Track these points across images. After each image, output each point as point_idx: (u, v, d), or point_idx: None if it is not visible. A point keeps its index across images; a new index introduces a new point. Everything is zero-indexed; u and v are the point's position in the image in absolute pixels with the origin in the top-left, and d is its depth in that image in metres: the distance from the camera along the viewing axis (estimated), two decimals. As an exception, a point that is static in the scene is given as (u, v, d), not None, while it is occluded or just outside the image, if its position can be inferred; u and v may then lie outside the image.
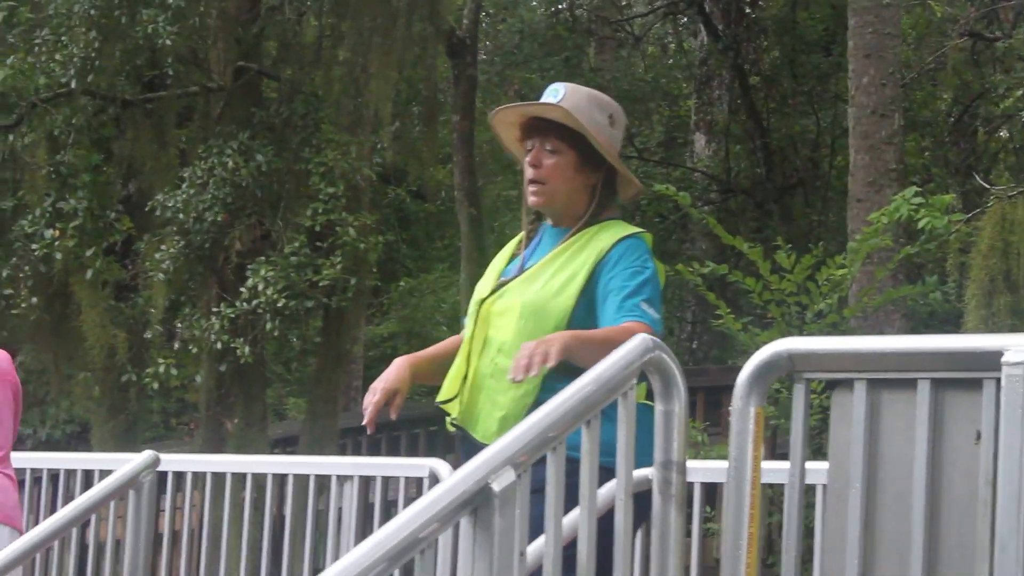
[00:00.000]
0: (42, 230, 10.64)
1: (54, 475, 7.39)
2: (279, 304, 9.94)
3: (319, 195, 10.49)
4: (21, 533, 4.81)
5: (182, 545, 8.03)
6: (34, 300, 10.69)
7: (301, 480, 6.56)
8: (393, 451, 12.21)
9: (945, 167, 14.73)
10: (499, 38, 16.79)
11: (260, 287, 10.00)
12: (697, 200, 14.13)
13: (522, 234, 4.18)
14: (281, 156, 10.68)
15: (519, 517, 2.96)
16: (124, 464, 5.01)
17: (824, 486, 4.50)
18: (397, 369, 4.06)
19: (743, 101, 15.72)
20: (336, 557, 6.12)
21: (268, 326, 10.07)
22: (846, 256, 8.92)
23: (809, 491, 5.33)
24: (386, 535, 2.82)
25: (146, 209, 11.19)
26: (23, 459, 7.22)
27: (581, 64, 16.52)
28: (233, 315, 10.22)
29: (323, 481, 6.46)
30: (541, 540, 3.15)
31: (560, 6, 16.98)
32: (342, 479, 6.31)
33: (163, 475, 5.93)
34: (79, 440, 17.87)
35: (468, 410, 3.94)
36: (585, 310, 3.81)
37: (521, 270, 3.99)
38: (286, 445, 12.50)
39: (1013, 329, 7.91)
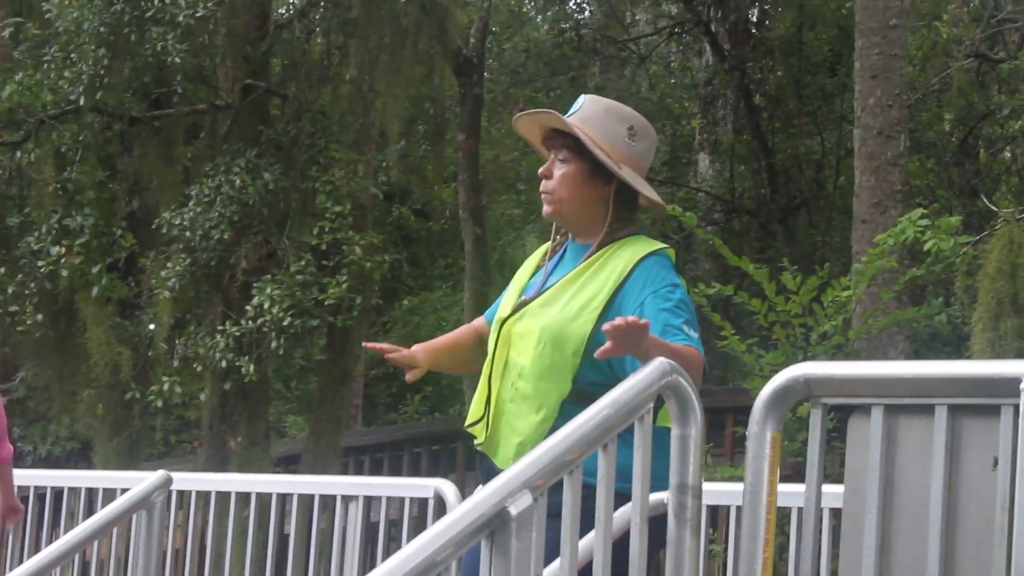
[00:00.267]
0: (48, 247, 10.65)
1: (58, 492, 7.39)
2: (284, 323, 9.94)
3: (326, 214, 10.49)
4: None
5: (185, 564, 8.03)
6: (39, 317, 10.69)
7: (305, 499, 6.57)
8: (395, 470, 12.20)
9: (950, 188, 14.73)
10: (504, 57, 16.80)
11: (266, 305, 10.00)
12: (701, 220, 14.14)
13: (548, 244, 4.14)
14: (288, 174, 10.69)
15: (536, 541, 2.96)
16: (135, 483, 4.99)
17: (830, 509, 4.51)
18: (418, 351, 4.14)
19: (748, 121, 15.73)
20: (340, 576, 6.12)
21: (273, 344, 10.07)
22: (851, 278, 8.93)
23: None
24: (404, 558, 2.82)
25: (152, 227, 11.20)
26: (36, 476, 7.21)
27: (587, 83, 16.54)
28: (238, 333, 10.22)
29: (326, 500, 6.47)
30: (556, 564, 3.14)
31: (563, 25, 16.99)
32: (347, 499, 6.32)
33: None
34: (80, 457, 17.86)
35: (491, 436, 3.92)
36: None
37: (542, 288, 3.95)
38: (288, 464, 12.50)
39: (1020, 352, 7.89)
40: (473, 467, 11.73)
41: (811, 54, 16.10)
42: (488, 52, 15.23)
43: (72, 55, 10.54)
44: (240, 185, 10.35)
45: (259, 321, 10.09)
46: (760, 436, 3.05)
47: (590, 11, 17.56)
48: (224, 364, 10.28)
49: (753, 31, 16.54)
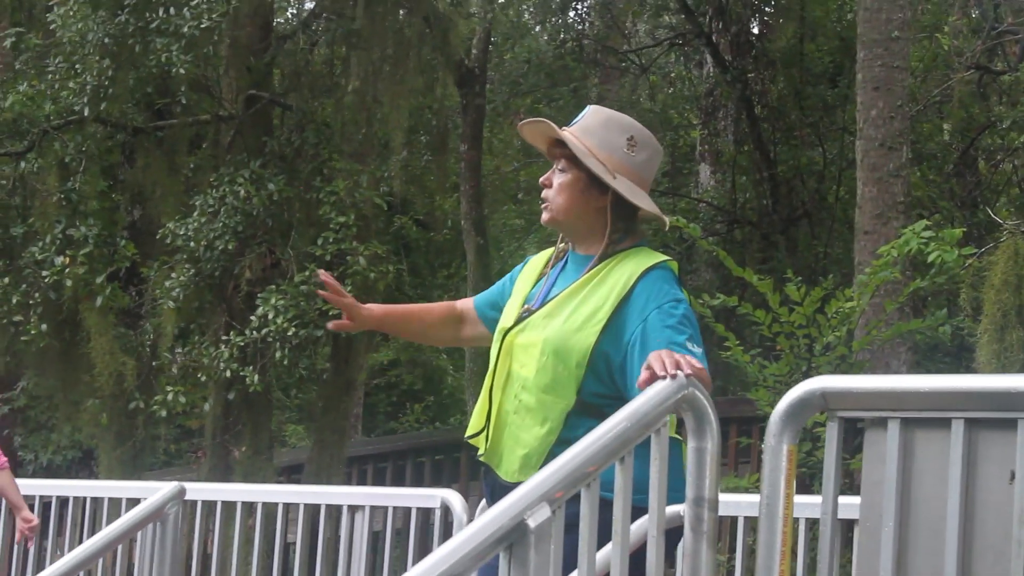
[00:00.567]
0: (52, 257, 10.65)
1: (62, 501, 7.38)
2: (289, 333, 9.94)
3: (330, 224, 10.50)
4: None
5: (191, 573, 8.04)
6: (44, 327, 10.69)
7: (311, 509, 6.58)
8: (398, 479, 12.22)
9: (951, 200, 14.76)
10: (505, 68, 16.83)
11: (270, 316, 10.01)
12: (703, 231, 14.15)
13: (550, 251, 4.14)
14: (292, 185, 10.70)
15: (554, 553, 2.98)
16: (144, 493, 5.00)
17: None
18: (368, 312, 4.25)
19: (750, 132, 15.75)
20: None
21: (278, 355, 10.07)
22: (855, 289, 8.94)
23: (815, 525, 5.35)
24: (423, 571, 2.83)
25: (156, 237, 11.21)
26: (45, 486, 7.21)
27: (588, 94, 16.57)
28: (242, 343, 10.23)
29: (330, 510, 6.48)
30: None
31: (565, 36, 17.02)
32: (353, 508, 6.33)
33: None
34: (81, 466, 17.86)
35: (493, 447, 3.91)
36: (610, 345, 3.74)
37: (544, 299, 3.95)
38: (291, 473, 12.51)
39: (1024, 364, 7.92)
40: (476, 477, 11.76)
41: (812, 65, 16.13)
42: (489, 63, 15.25)
43: (76, 65, 10.55)
44: (244, 196, 10.36)
45: (263, 331, 10.09)
46: (777, 449, 3.06)
47: (591, 22, 17.58)
48: (228, 374, 10.28)
49: (754, 42, 16.56)
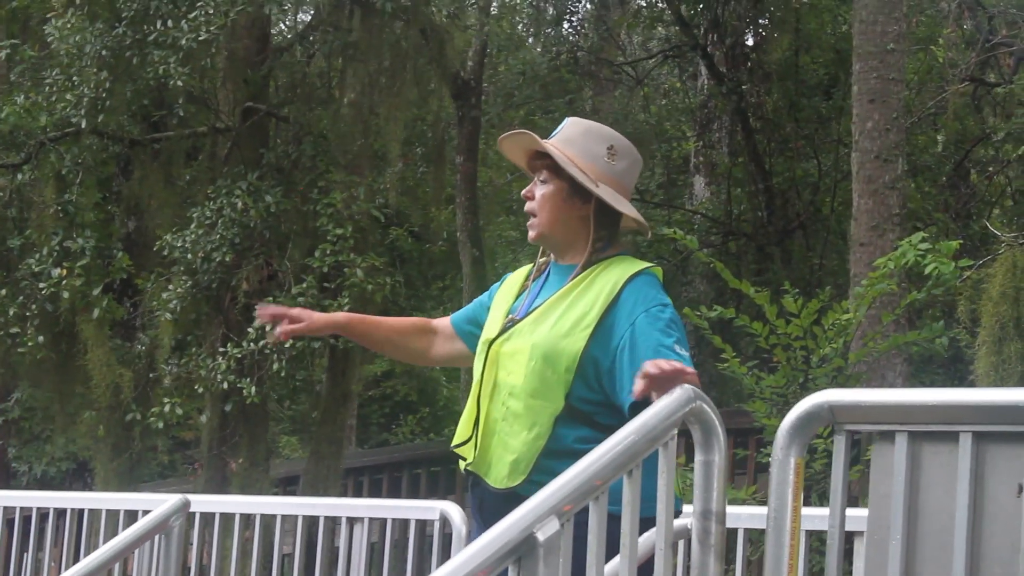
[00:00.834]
0: (49, 269, 10.65)
1: (61, 513, 7.37)
2: (287, 344, 9.94)
3: (327, 236, 10.50)
4: None
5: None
6: (40, 339, 10.68)
7: (310, 520, 6.58)
8: (394, 491, 12.21)
9: (946, 212, 14.79)
10: (500, 80, 16.85)
11: (268, 327, 9.98)
12: (698, 243, 14.17)
13: (531, 266, 4.16)
14: (289, 197, 10.71)
15: (563, 567, 2.98)
16: (142, 504, 5.00)
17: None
18: (328, 315, 4.34)
19: (746, 144, 15.78)
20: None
21: (275, 366, 10.08)
22: (851, 301, 8.95)
23: (812, 537, 5.36)
24: (434, 584, 2.84)
25: (153, 248, 11.22)
26: (52, 498, 7.20)
27: (584, 106, 16.60)
28: (240, 355, 10.23)
29: (329, 521, 6.48)
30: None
31: (559, 48, 17.03)
32: (352, 520, 6.33)
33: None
34: (75, 478, 17.85)
35: (481, 455, 3.92)
36: (598, 349, 3.76)
37: (529, 309, 3.96)
38: (286, 485, 12.49)
39: (1023, 377, 7.93)
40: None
41: (807, 77, 16.16)
42: (484, 75, 15.26)
43: (74, 78, 10.55)
44: (242, 208, 10.36)
45: (261, 343, 10.09)
46: (784, 462, 3.07)
47: (585, 34, 17.60)
48: (225, 386, 10.28)
49: (749, 55, 16.59)
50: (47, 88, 10.80)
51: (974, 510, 2.89)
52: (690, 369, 3.34)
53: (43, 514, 7.28)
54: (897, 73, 10.76)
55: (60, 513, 7.30)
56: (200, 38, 9.92)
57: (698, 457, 3.24)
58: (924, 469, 2.97)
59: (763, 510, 5.12)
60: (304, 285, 10.24)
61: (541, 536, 2.95)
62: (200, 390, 10.57)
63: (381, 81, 11.23)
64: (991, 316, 8.20)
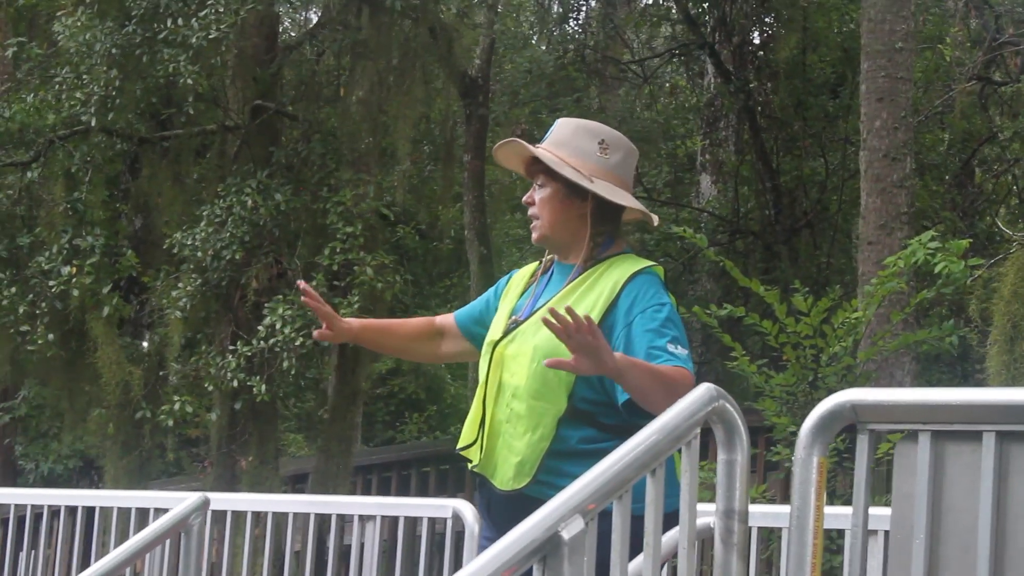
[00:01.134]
0: (59, 267, 10.66)
1: (72, 510, 7.37)
2: (296, 343, 9.96)
3: (337, 234, 10.51)
4: None
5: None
6: (50, 336, 10.69)
7: (322, 519, 6.58)
8: (403, 489, 12.22)
9: (953, 210, 14.79)
10: (506, 78, 16.84)
11: (278, 325, 10.02)
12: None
13: (535, 265, 4.18)
14: (298, 195, 10.72)
15: (587, 565, 2.99)
16: (156, 502, 5.00)
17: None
18: (345, 324, 4.29)
19: (753, 142, 15.78)
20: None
21: (285, 364, 10.09)
22: (861, 299, 8.96)
23: (832, 535, 5.37)
24: (459, 583, 2.85)
25: (160, 246, 11.24)
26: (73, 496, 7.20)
27: (591, 104, 16.59)
28: (250, 353, 10.24)
29: (340, 519, 6.48)
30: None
31: (568, 46, 17.02)
32: (364, 518, 6.34)
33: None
34: (81, 475, 17.87)
35: (487, 457, 3.95)
36: None
37: (532, 310, 3.98)
38: (295, 483, 12.51)
39: (1034, 375, 7.94)
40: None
41: (814, 76, 16.16)
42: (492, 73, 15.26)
43: (84, 76, 10.56)
44: (251, 206, 10.37)
45: (271, 341, 10.10)
46: (807, 461, 3.08)
47: (592, 32, 17.60)
48: (236, 384, 10.29)
49: (758, 52, 16.58)
50: (56, 86, 10.80)
51: (998, 509, 2.89)
52: (588, 315, 3.44)
53: (54, 511, 7.26)
54: (905, 72, 10.75)
55: (71, 511, 7.30)
56: (210, 36, 9.93)
57: (720, 456, 3.25)
58: (947, 469, 2.97)
59: (773, 508, 5.16)
60: (313, 283, 10.24)
61: (566, 535, 2.96)
62: (210, 388, 10.58)
63: (389, 79, 11.23)
64: (1003, 315, 8.21)
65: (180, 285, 10.61)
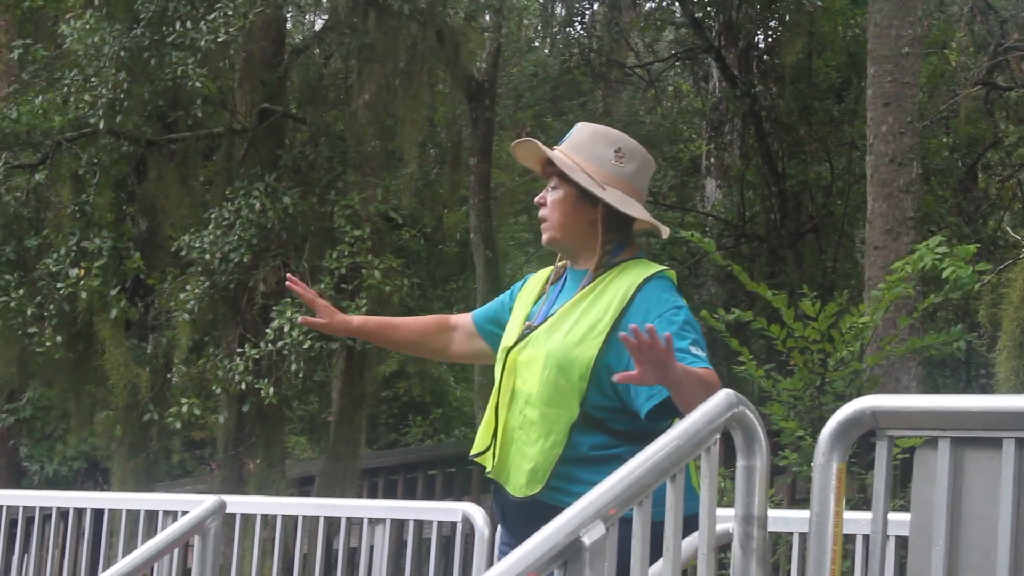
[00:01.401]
0: (67, 269, 10.67)
1: (80, 512, 7.37)
2: (305, 345, 9.96)
3: (345, 238, 10.52)
4: None
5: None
6: (58, 339, 10.70)
7: (332, 522, 6.59)
8: (409, 492, 12.22)
9: (958, 215, 14.82)
10: (511, 81, 16.85)
11: (286, 328, 10.03)
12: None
13: (549, 270, 4.18)
14: (306, 198, 10.73)
15: (608, 570, 3.01)
16: (181, 506, 5.01)
17: (865, 536, 4.55)
18: (344, 318, 4.34)
19: (759, 147, 15.80)
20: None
21: (293, 367, 10.09)
22: (868, 304, 8.96)
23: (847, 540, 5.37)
24: (482, 588, 2.87)
25: (166, 249, 11.26)
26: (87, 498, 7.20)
27: (596, 108, 16.62)
28: (258, 356, 10.25)
29: (350, 523, 6.49)
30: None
31: (573, 50, 17.04)
32: (373, 522, 6.35)
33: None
34: (86, 477, 17.87)
35: (501, 464, 3.95)
36: (612, 356, 3.76)
37: (545, 316, 3.97)
38: (301, 485, 12.51)
39: (1045, 381, 7.94)
40: (488, 490, 11.67)
41: (819, 80, 16.18)
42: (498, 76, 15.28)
43: (92, 78, 10.57)
44: (260, 208, 10.38)
45: (279, 344, 10.11)
46: (826, 467, 3.09)
47: (597, 36, 17.62)
48: (244, 386, 10.30)
49: (764, 57, 16.61)
50: (64, 88, 10.82)
51: (1018, 516, 2.90)
52: (667, 334, 3.37)
53: (63, 513, 7.25)
54: (911, 77, 10.77)
55: (79, 513, 7.29)
56: (219, 39, 9.93)
57: (740, 462, 3.25)
58: (967, 475, 2.98)
59: (781, 513, 5.17)
60: (321, 286, 10.25)
61: (587, 540, 2.98)
62: (218, 391, 10.59)
63: (396, 83, 11.24)
64: (1012, 320, 8.21)
65: (188, 288, 10.61)
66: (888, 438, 3.08)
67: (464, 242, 17.43)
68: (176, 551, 5.41)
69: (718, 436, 3.21)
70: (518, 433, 3.89)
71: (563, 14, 18.01)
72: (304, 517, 6.61)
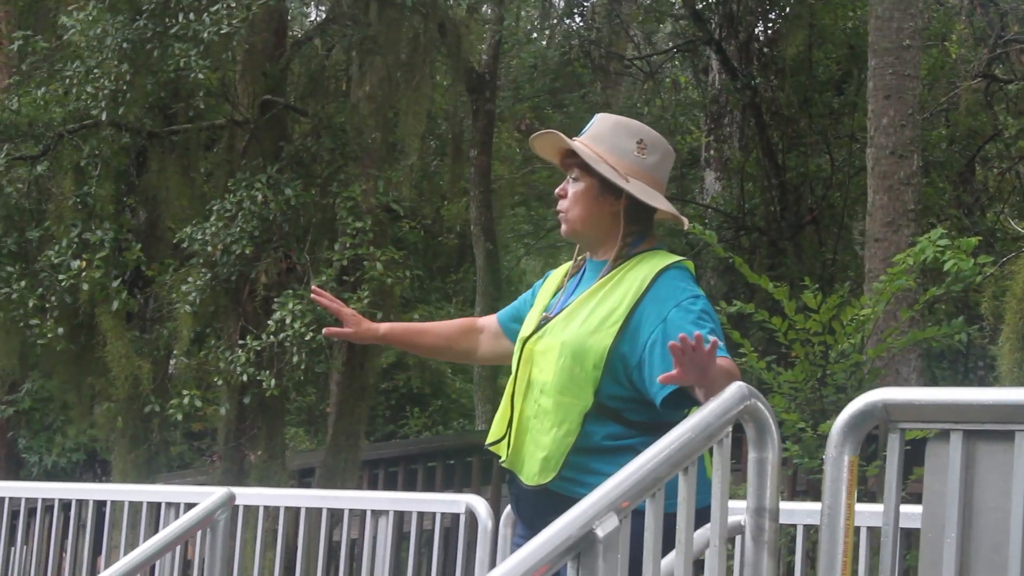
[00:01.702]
0: (68, 261, 10.65)
1: (79, 503, 7.38)
2: (307, 337, 9.95)
3: (347, 229, 10.52)
4: None
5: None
6: (60, 330, 10.70)
7: (334, 514, 6.60)
8: (409, 484, 12.21)
9: (958, 207, 14.83)
10: (511, 73, 16.85)
11: (288, 320, 10.02)
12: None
13: (568, 264, 4.19)
14: (308, 190, 10.72)
15: (621, 562, 3.02)
16: (186, 498, 5.02)
17: (869, 528, 4.57)
18: (371, 326, 4.36)
19: (759, 139, 15.80)
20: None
21: (295, 359, 10.09)
22: (870, 296, 8.96)
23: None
24: (496, 580, 2.88)
25: (173, 241, 11.25)
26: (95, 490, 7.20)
27: (597, 100, 16.62)
28: (259, 348, 10.25)
29: (352, 514, 6.50)
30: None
31: (572, 42, 17.03)
32: (376, 513, 6.35)
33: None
34: (85, 468, 17.89)
35: (515, 453, 3.96)
36: (627, 346, 3.77)
37: (563, 306, 3.99)
38: (301, 477, 12.49)
39: (1045, 373, 7.95)
40: (489, 481, 11.68)
41: (819, 72, 16.19)
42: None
43: (94, 70, 10.56)
44: (262, 200, 10.37)
45: (280, 336, 10.10)
46: (838, 460, 3.10)
47: (597, 28, 17.61)
48: (245, 378, 10.30)
49: (764, 49, 16.60)
50: (67, 80, 10.80)
51: (1030, 508, 2.91)
52: (713, 339, 3.36)
53: (65, 504, 7.26)
54: (912, 69, 10.77)
55: (81, 504, 7.29)
56: (221, 31, 9.92)
57: (752, 455, 3.27)
58: (979, 468, 2.99)
59: (785, 505, 5.18)
60: (323, 278, 10.25)
61: (600, 532, 2.99)
62: (219, 382, 10.58)
63: (398, 75, 11.23)
64: (1015, 313, 8.21)
65: (189, 279, 10.60)
66: (900, 431, 3.10)
67: (464, 234, 17.46)
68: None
69: (730, 429, 3.22)
70: (532, 422, 3.90)
71: (562, 6, 18.00)
72: (306, 509, 6.62)
